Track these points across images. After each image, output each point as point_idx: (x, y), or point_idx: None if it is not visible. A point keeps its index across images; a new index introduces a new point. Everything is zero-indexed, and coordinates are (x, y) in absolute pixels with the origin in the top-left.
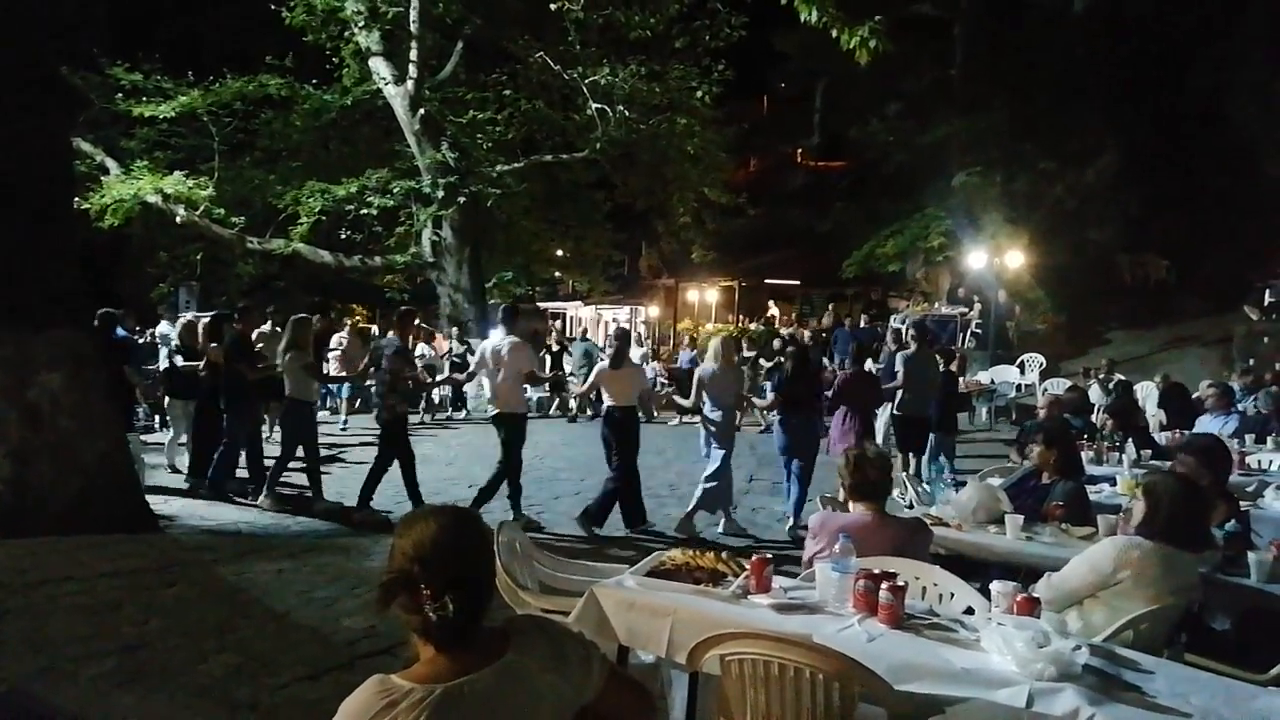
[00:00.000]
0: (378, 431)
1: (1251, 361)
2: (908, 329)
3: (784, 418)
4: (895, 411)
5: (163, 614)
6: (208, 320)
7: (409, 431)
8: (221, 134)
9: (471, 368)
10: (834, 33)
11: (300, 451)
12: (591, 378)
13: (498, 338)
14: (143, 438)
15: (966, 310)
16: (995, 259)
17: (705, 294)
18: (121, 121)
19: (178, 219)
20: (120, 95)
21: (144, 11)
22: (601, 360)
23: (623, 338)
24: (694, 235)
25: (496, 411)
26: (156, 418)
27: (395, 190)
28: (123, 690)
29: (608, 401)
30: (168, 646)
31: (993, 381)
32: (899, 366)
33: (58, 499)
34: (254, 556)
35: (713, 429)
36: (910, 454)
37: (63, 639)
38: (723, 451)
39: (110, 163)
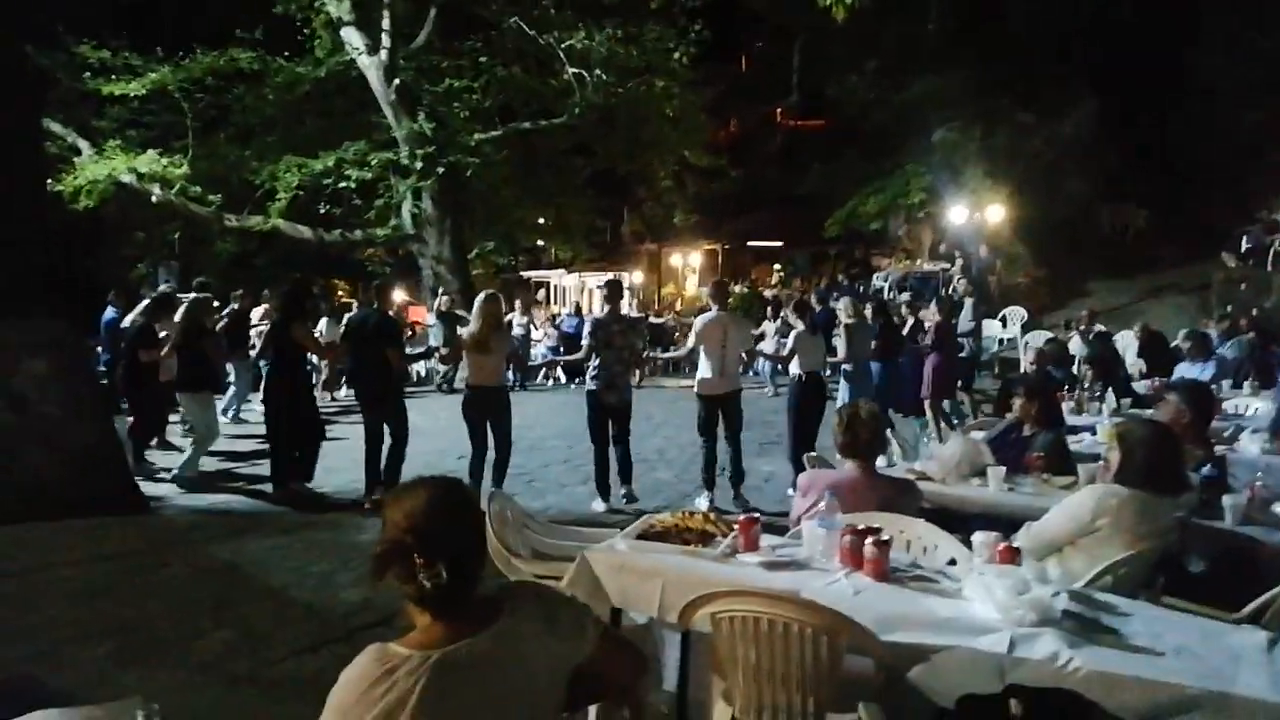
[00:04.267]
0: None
1: (1229, 308)
2: (892, 286)
3: (882, 365)
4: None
5: (158, 594)
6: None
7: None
8: (194, 110)
9: (690, 343)
10: None
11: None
12: (791, 343)
13: (713, 313)
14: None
15: (949, 266)
16: (976, 214)
17: (689, 257)
18: (91, 100)
19: (153, 198)
20: (88, 74)
21: None
22: (799, 325)
23: (805, 306)
24: (676, 199)
25: (728, 389)
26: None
27: (373, 162)
28: (122, 670)
29: (798, 369)
30: (165, 626)
31: None
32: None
33: (47, 484)
34: (246, 534)
35: (856, 380)
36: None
37: (59, 622)
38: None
39: (82, 143)
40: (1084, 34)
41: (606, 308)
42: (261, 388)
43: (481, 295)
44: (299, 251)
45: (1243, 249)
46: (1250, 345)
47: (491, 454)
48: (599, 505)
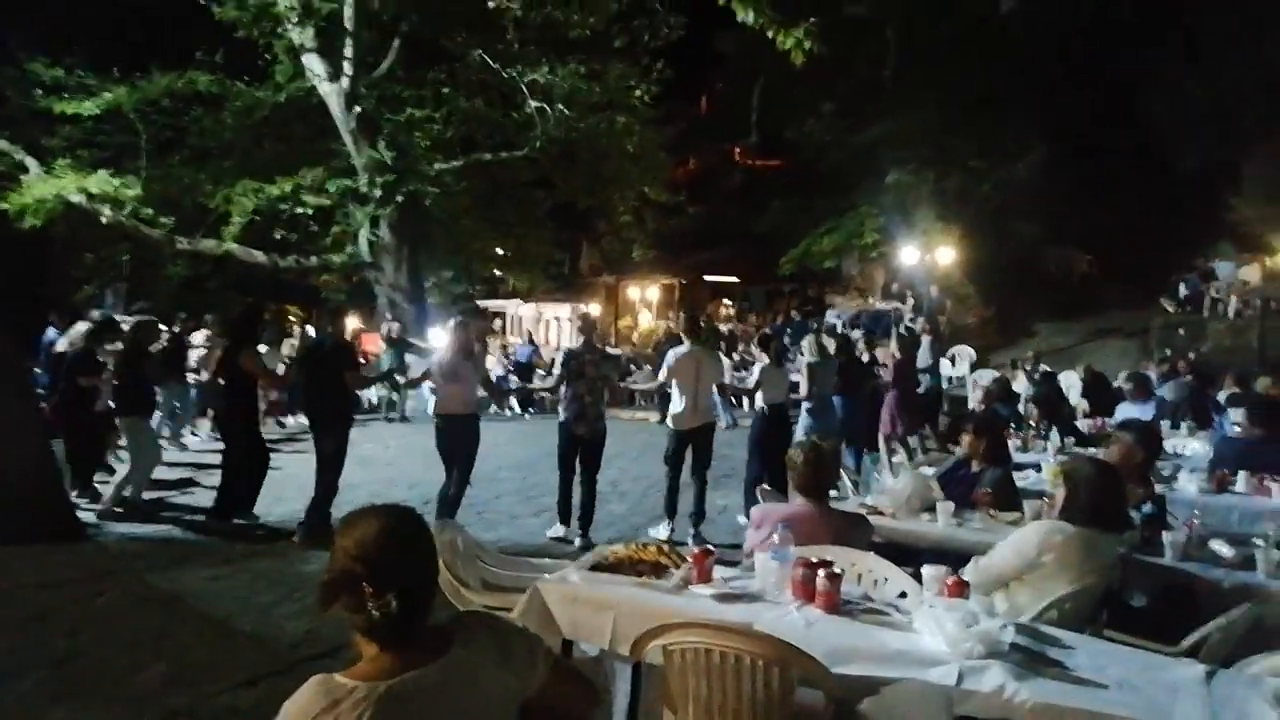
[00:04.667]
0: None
1: (1168, 351)
2: (845, 324)
3: (844, 400)
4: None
5: (94, 624)
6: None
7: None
8: (149, 132)
9: (662, 377)
10: (770, 34)
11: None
12: (757, 375)
13: (686, 347)
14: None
15: (900, 305)
16: (927, 255)
17: (646, 291)
18: (42, 119)
19: (103, 219)
20: (40, 91)
21: (65, 4)
22: (763, 359)
23: (778, 336)
24: (634, 233)
25: (701, 423)
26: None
27: (331, 189)
28: (54, 704)
29: (762, 402)
30: (100, 657)
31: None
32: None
33: None
34: (188, 563)
35: (818, 415)
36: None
37: None
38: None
39: (30, 161)
40: (1033, 84)
41: (580, 339)
42: (212, 416)
43: (451, 323)
44: (252, 276)
45: (1181, 295)
46: (1188, 388)
47: (445, 486)
48: (558, 530)
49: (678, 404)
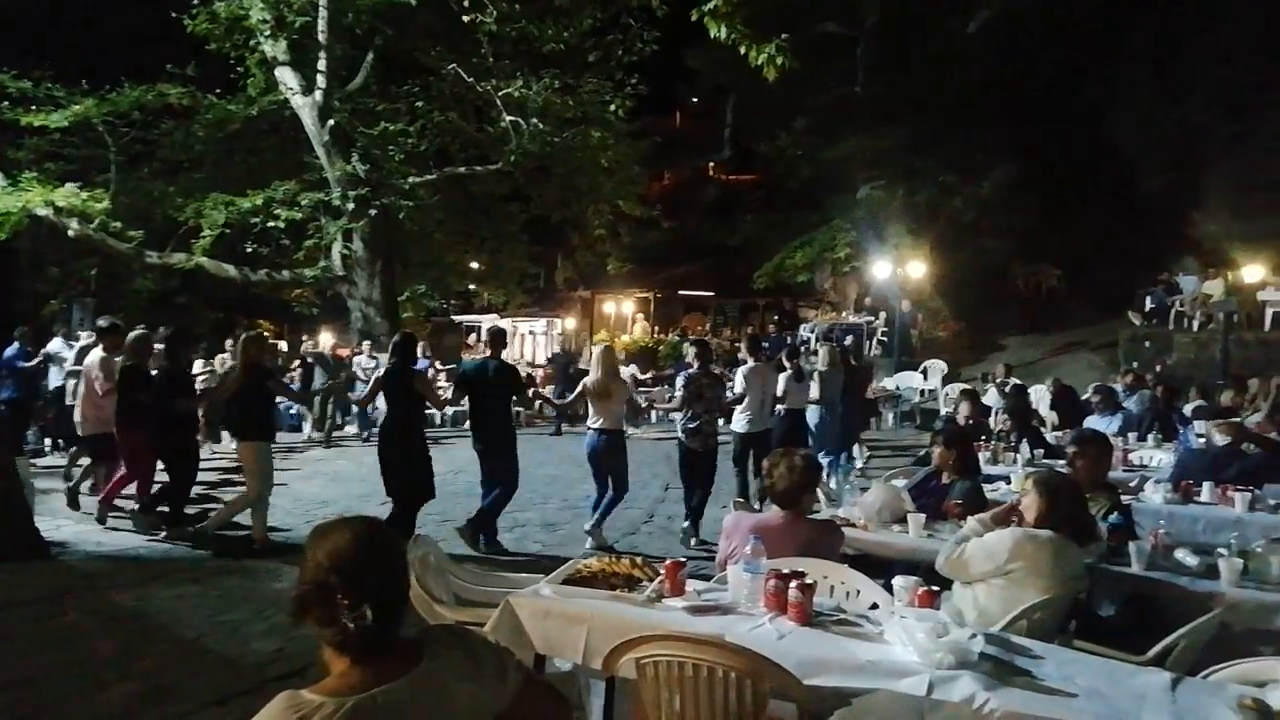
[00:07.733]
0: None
1: (1135, 364)
2: (818, 337)
3: (846, 404)
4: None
5: (58, 645)
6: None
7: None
8: (118, 144)
9: (739, 389)
10: (743, 50)
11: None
12: (783, 385)
13: (752, 362)
14: (33, 461)
15: (873, 319)
16: (899, 269)
17: (621, 305)
18: (8, 131)
19: (70, 233)
20: (6, 103)
21: (35, 17)
22: (786, 371)
23: (796, 353)
24: (609, 247)
25: (765, 427)
26: (47, 441)
27: (303, 203)
28: None
29: (782, 408)
30: (64, 678)
31: (898, 387)
32: None
33: None
34: (155, 582)
35: (825, 417)
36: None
37: None
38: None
39: None
40: (1002, 101)
41: (697, 363)
42: (380, 436)
43: (600, 347)
44: (223, 290)
45: (1147, 309)
46: (1154, 399)
47: (609, 493)
48: (693, 541)
49: (747, 412)
